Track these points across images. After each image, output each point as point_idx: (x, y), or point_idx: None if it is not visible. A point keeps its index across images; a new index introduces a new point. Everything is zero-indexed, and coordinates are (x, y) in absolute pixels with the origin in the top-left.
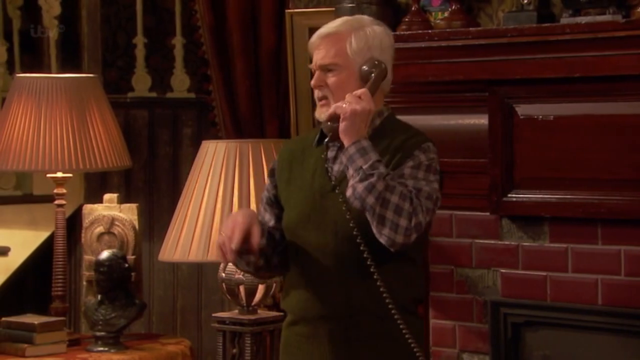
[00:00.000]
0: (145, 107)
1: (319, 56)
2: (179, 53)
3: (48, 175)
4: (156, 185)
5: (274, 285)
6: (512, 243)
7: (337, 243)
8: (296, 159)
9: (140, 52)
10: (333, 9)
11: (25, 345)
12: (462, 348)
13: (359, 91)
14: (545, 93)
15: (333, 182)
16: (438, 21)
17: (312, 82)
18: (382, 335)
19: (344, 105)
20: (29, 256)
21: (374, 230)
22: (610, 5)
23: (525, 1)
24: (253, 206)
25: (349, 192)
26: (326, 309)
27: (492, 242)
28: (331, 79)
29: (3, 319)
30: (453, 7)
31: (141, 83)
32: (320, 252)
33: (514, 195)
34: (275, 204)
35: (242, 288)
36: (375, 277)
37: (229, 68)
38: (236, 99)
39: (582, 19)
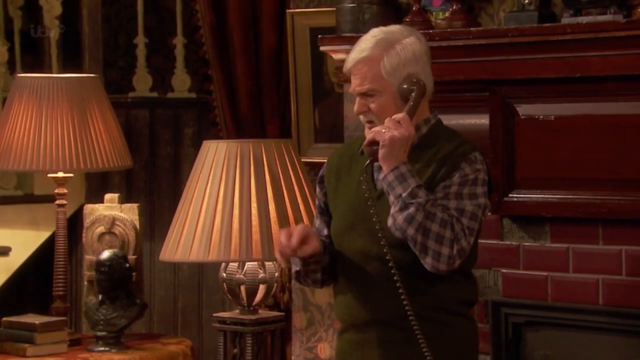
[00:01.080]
0: (146, 107)
1: (356, 83)
2: (179, 53)
3: (49, 175)
4: (157, 185)
5: (275, 285)
6: (513, 243)
7: (383, 250)
8: (344, 166)
9: (141, 52)
10: (334, 8)
11: (26, 345)
12: None
13: (398, 116)
14: (546, 93)
15: (379, 191)
16: (439, 21)
17: (355, 109)
18: (431, 339)
19: (383, 131)
20: (30, 256)
21: (419, 257)
22: (611, 5)
23: (526, 1)
24: (254, 206)
25: (389, 222)
26: (374, 314)
27: (493, 242)
28: (372, 105)
29: (4, 318)
30: (454, 7)
31: (142, 83)
32: (366, 258)
33: (514, 195)
34: (326, 211)
35: (242, 288)
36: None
37: (230, 68)
38: (237, 99)
39: (583, 19)
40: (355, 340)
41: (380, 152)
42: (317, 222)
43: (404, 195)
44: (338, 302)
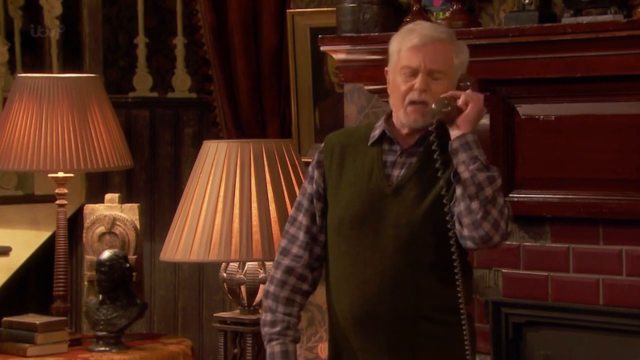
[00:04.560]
0: (147, 107)
1: (429, 58)
2: (180, 53)
3: (49, 175)
4: (157, 185)
5: None
6: (514, 243)
7: (396, 247)
8: (349, 154)
9: (141, 52)
10: (334, 9)
11: (27, 345)
12: None
13: (476, 94)
14: (547, 93)
15: (393, 187)
16: (439, 21)
17: (418, 84)
18: (440, 339)
19: (470, 94)
20: (30, 256)
21: (468, 223)
22: (611, 5)
23: (527, 1)
24: (254, 206)
25: (466, 175)
26: (383, 311)
27: None
28: (437, 86)
29: (5, 318)
30: (454, 7)
31: (142, 83)
32: (375, 254)
33: (515, 195)
34: (323, 197)
35: (243, 288)
36: (456, 280)
37: (230, 68)
38: (237, 99)
39: (584, 19)
40: (361, 334)
41: (468, 112)
42: (307, 216)
43: (481, 158)
44: (337, 294)
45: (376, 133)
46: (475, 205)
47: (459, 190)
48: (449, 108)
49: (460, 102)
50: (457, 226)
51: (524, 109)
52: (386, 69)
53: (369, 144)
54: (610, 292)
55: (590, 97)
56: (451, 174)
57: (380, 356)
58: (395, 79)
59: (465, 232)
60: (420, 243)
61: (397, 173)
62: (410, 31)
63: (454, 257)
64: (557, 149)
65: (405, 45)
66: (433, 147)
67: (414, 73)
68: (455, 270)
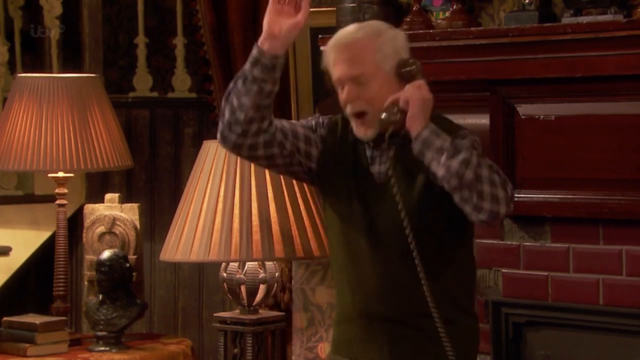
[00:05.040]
0: (147, 107)
1: (346, 66)
2: (180, 53)
3: (49, 175)
4: (157, 185)
5: (275, 285)
6: (514, 243)
7: (390, 245)
8: (339, 144)
9: (141, 52)
10: (334, 8)
11: (27, 345)
12: None
13: (417, 82)
14: (547, 93)
15: (377, 185)
16: (439, 21)
17: (344, 97)
18: (439, 338)
19: (407, 94)
20: (30, 256)
21: (470, 209)
22: (611, 5)
23: (527, 1)
24: (254, 206)
25: (441, 172)
26: (382, 309)
27: (494, 242)
28: (368, 91)
29: (5, 318)
30: (454, 7)
31: (142, 83)
32: (371, 254)
33: (515, 195)
34: (312, 140)
35: (243, 288)
36: (424, 281)
37: (230, 68)
38: None
39: (584, 19)
40: (361, 332)
41: (410, 113)
42: (299, 127)
43: (446, 145)
44: (343, 295)
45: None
46: (465, 193)
47: (445, 186)
48: (398, 115)
49: (401, 104)
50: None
51: (524, 109)
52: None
53: (350, 140)
54: (610, 292)
55: (591, 97)
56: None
57: (381, 346)
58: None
59: (473, 217)
60: (419, 238)
61: (377, 169)
62: (330, 42)
63: (444, 247)
64: (557, 149)
65: (327, 60)
66: (392, 158)
67: (341, 84)
68: (454, 266)
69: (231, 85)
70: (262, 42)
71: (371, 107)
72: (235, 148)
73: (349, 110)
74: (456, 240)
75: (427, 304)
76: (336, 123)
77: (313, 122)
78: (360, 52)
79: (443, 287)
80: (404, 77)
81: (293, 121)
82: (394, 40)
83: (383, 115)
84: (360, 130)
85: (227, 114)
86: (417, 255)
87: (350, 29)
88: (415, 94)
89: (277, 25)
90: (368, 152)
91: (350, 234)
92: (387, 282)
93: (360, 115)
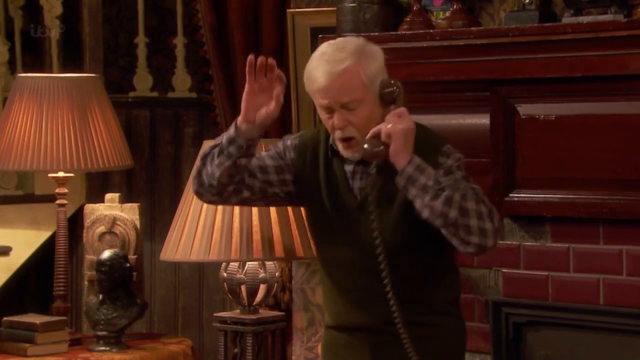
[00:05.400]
0: (147, 107)
1: (337, 94)
2: (180, 53)
3: (49, 175)
4: (158, 185)
5: (275, 285)
6: (514, 243)
7: (369, 260)
8: (310, 165)
9: (141, 52)
10: (334, 8)
11: (27, 344)
12: None
13: (398, 111)
14: (547, 93)
15: (358, 202)
16: (439, 21)
17: (336, 123)
18: (423, 342)
19: (388, 127)
20: (30, 256)
21: (457, 242)
22: (611, 4)
23: (527, 1)
24: (254, 209)
25: (426, 212)
26: (364, 320)
27: None
28: (356, 116)
29: (5, 318)
30: (454, 6)
31: (143, 83)
32: (351, 267)
33: (515, 195)
34: (283, 167)
35: (243, 288)
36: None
37: (231, 68)
38: (238, 99)
39: (584, 19)
40: (346, 340)
41: (394, 147)
42: (270, 160)
43: (429, 183)
44: (328, 303)
45: (328, 148)
46: (451, 229)
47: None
48: (380, 147)
49: (383, 138)
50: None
51: (524, 109)
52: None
53: (328, 155)
54: (610, 292)
55: (591, 97)
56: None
57: (363, 352)
58: (319, 112)
59: (460, 249)
60: (394, 253)
61: (357, 185)
62: (314, 68)
63: (426, 261)
64: (558, 148)
65: (313, 87)
66: (368, 196)
67: (330, 111)
68: (435, 272)
69: (207, 149)
70: (240, 122)
71: (359, 132)
72: (210, 203)
73: (338, 135)
74: (436, 252)
75: (402, 313)
76: (305, 145)
77: (281, 147)
78: (350, 79)
79: (427, 297)
80: (385, 98)
81: (262, 153)
82: (377, 58)
83: (366, 146)
84: (348, 152)
85: (203, 177)
86: (387, 275)
87: (332, 52)
88: (397, 127)
89: (252, 110)
90: (349, 167)
91: (331, 247)
92: (366, 294)
93: (349, 139)
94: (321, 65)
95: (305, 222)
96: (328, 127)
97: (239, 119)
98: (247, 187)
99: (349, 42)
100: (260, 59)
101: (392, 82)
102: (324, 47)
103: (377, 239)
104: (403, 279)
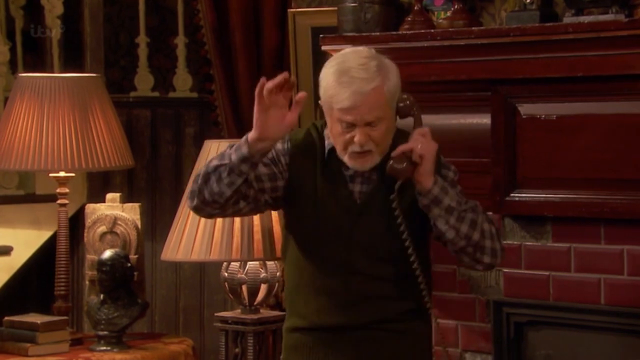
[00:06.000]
0: (148, 107)
1: (362, 114)
2: (181, 52)
3: (51, 174)
4: (159, 185)
5: (276, 284)
6: (515, 242)
7: (366, 263)
8: (306, 168)
9: (142, 52)
10: (335, 8)
11: (28, 344)
12: (465, 347)
13: (422, 130)
14: (548, 92)
15: (358, 205)
16: (440, 20)
17: (359, 139)
18: (404, 334)
19: (419, 147)
20: (31, 255)
21: (469, 260)
22: (613, 4)
23: (528, 1)
24: None
25: (451, 234)
26: (350, 320)
27: None
28: (376, 132)
29: (6, 318)
30: (455, 6)
31: (144, 82)
32: (346, 269)
33: (516, 195)
34: (277, 174)
35: (244, 288)
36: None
37: (232, 67)
38: (238, 99)
39: (585, 19)
40: (325, 339)
41: (424, 167)
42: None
43: (453, 204)
44: (301, 304)
45: (329, 146)
46: (469, 249)
47: (448, 243)
48: (405, 164)
49: (414, 157)
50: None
51: (525, 109)
52: (320, 102)
53: (326, 156)
54: (611, 292)
55: (592, 96)
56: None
57: (346, 349)
58: (333, 124)
59: (468, 264)
60: (387, 258)
61: (358, 189)
62: (338, 86)
63: (414, 266)
64: (559, 148)
65: (335, 105)
66: (393, 206)
67: (350, 126)
68: (419, 279)
69: (211, 168)
70: (254, 142)
71: (377, 146)
72: (208, 217)
73: (355, 149)
74: (426, 257)
75: (393, 310)
76: (298, 148)
77: (273, 153)
78: (377, 98)
79: (406, 297)
80: (399, 111)
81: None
82: (396, 74)
83: (393, 164)
84: (358, 164)
85: (204, 195)
86: (415, 260)
87: (359, 72)
88: (429, 148)
89: (268, 128)
90: (348, 172)
91: (323, 250)
92: (357, 295)
93: (365, 152)
94: (346, 86)
95: (285, 224)
96: (341, 141)
97: (253, 137)
98: (243, 198)
99: (369, 57)
100: (282, 78)
101: (405, 97)
102: (344, 62)
103: (403, 228)
104: (390, 279)
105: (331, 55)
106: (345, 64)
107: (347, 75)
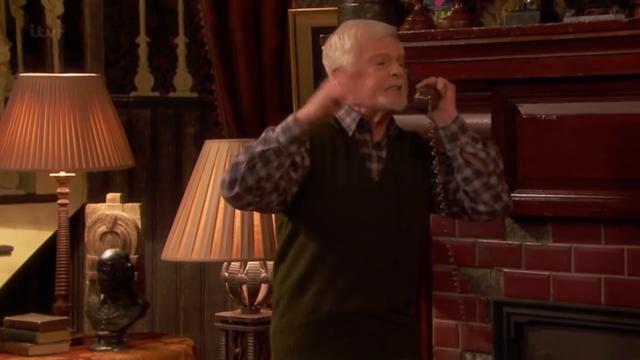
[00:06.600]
0: (148, 107)
1: (396, 46)
2: (181, 52)
3: (51, 174)
4: (159, 185)
5: None
6: (515, 242)
7: (385, 243)
8: (327, 147)
9: (143, 52)
10: (336, 8)
11: (28, 344)
12: (465, 347)
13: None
14: (548, 92)
15: (376, 182)
16: (441, 20)
17: (397, 71)
18: (403, 327)
19: (440, 79)
20: (32, 255)
21: (488, 198)
22: (613, 4)
23: (528, 0)
24: None
25: (482, 154)
26: (368, 304)
27: (495, 241)
28: (402, 70)
29: (6, 318)
30: (456, 6)
31: (144, 82)
32: (377, 250)
33: (516, 195)
34: (300, 168)
35: (244, 287)
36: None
37: (232, 67)
38: (239, 98)
39: (585, 19)
40: (337, 331)
41: (450, 95)
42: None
43: (475, 135)
44: (319, 292)
45: (350, 123)
46: (493, 180)
47: (466, 172)
48: (430, 96)
49: (440, 86)
50: (469, 204)
51: (526, 109)
52: (335, 68)
53: (350, 134)
54: (611, 292)
55: (592, 96)
56: (452, 156)
57: (357, 340)
58: (364, 71)
59: (482, 207)
60: (406, 237)
61: (375, 167)
62: (366, 25)
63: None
64: (559, 148)
65: (370, 38)
66: (431, 143)
67: (384, 60)
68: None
69: (257, 152)
70: (305, 123)
71: (404, 86)
72: (243, 208)
73: (393, 82)
74: (421, 242)
75: (401, 298)
76: (316, 134)
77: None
78: (399, 43)
79: (410, 284)
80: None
81: None
82: None
83: (420, 96)
84: (395, 99)
85: (249, 181)
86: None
87: (381, 23)
88: (450, 83)
89: (324, 116)
90: (366, 150)
91: (345, 232)
92: (382, 279)
93: (399, 87)
94: (374, 24)
95: (295, 218)
96: (376, 80)
97: (306, 116)
98: (275, 189)
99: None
100: None
101: (409, 70)
102: (352, 22)
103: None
104: (406, 262)
105: None
106: (363, 21)
107: (370, 23)
